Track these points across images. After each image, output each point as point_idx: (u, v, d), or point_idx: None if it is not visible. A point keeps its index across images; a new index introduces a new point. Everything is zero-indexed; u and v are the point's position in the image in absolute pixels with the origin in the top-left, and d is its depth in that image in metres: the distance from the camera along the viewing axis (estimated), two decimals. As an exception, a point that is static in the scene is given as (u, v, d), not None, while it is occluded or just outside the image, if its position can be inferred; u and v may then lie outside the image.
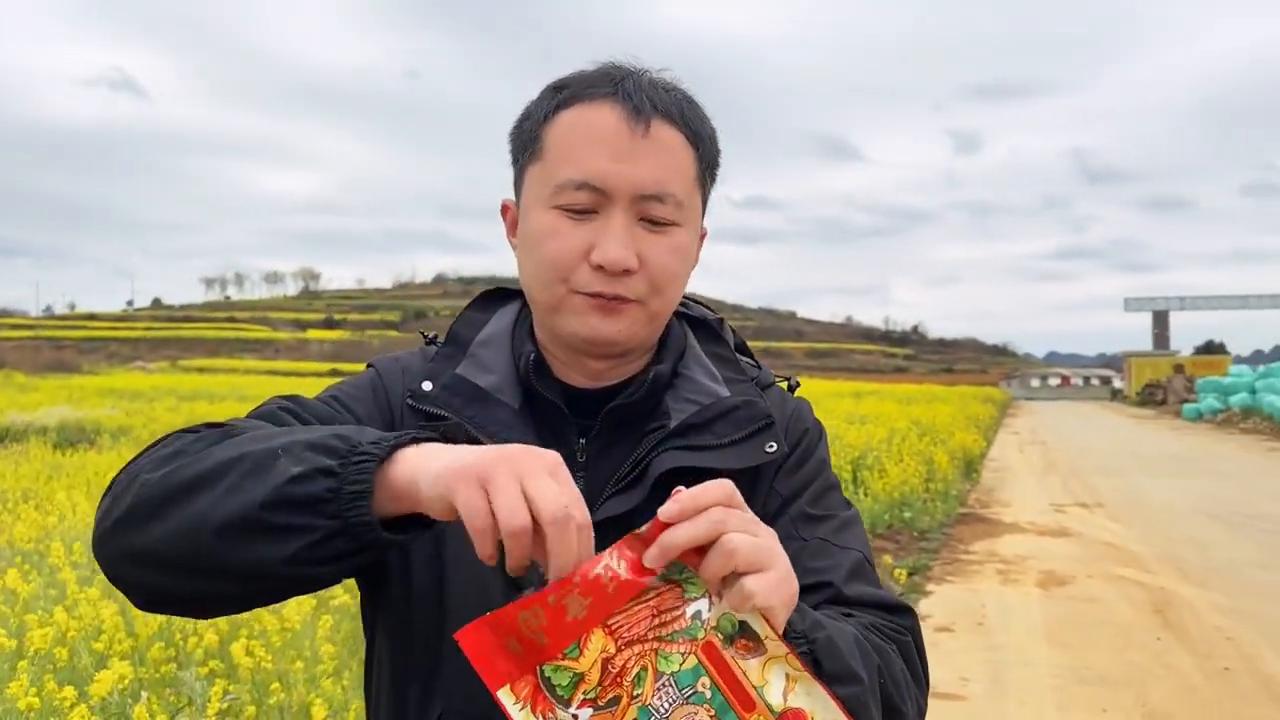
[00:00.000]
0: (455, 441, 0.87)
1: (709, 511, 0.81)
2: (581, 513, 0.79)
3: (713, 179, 1.15)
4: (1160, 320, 78.21)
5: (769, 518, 1.09)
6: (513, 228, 1.15)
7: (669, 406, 1.11)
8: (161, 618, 3.96)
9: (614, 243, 1.03)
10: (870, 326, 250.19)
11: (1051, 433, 28.88)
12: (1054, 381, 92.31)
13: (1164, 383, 50.00)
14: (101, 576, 4.67)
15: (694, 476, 0.95)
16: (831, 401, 24.51)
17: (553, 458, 0.82)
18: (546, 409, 1.11)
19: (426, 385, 1.12)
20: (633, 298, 1.05)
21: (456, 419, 1.05)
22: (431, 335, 1.25)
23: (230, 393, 27.27)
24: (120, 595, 4.25)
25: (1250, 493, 13.50)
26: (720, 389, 1.14)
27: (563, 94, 1.08)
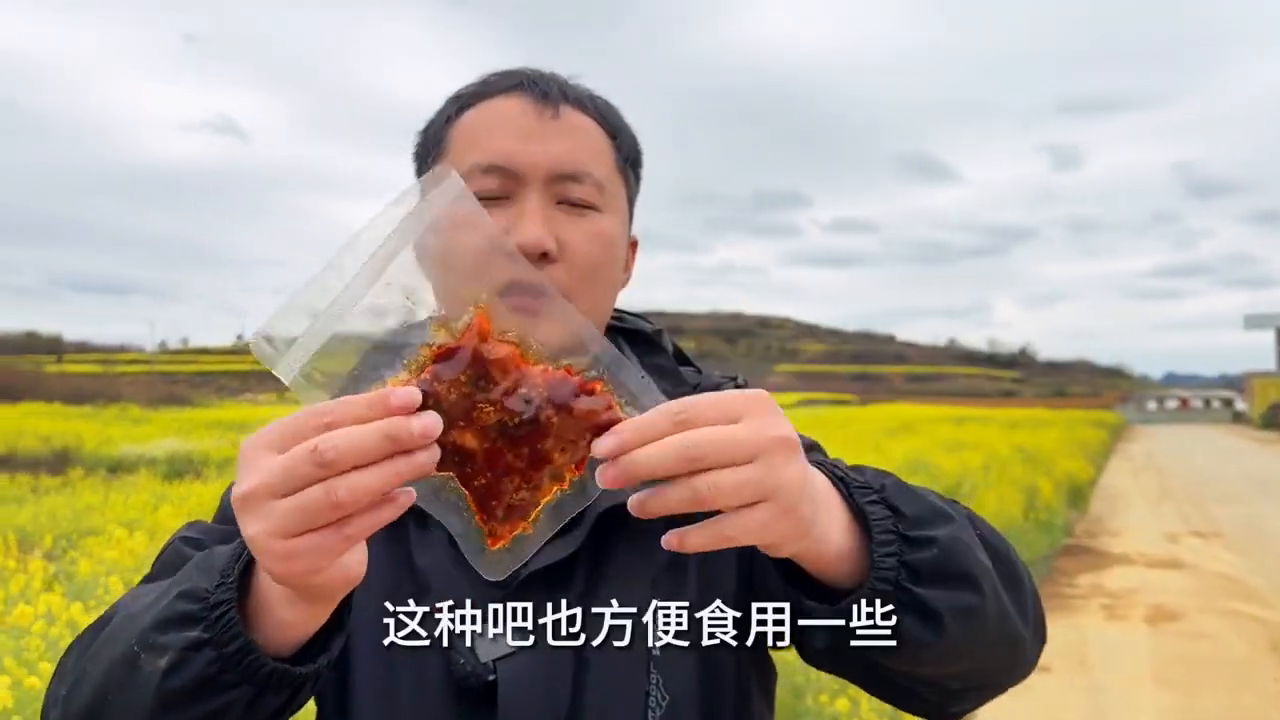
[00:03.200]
0: None
1: (684, 435, 0.65)
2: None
3: (636, 180, 1.07)
4: (1284, 338, 74.74)
5: None
6: None
7: None
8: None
9: (529, 223, 0.93)
10: (974, 349, 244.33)
11: (1168, 457, 27.75)
12: (1172, 404, 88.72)
13: (1290, 404, 47.69)
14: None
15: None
16: (929, 427, 24.02)
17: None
18: None
19: None
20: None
21: None
22: None
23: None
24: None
25: (1383, 521, 12.68)
26: None
27: (464, 97, 1.02)
